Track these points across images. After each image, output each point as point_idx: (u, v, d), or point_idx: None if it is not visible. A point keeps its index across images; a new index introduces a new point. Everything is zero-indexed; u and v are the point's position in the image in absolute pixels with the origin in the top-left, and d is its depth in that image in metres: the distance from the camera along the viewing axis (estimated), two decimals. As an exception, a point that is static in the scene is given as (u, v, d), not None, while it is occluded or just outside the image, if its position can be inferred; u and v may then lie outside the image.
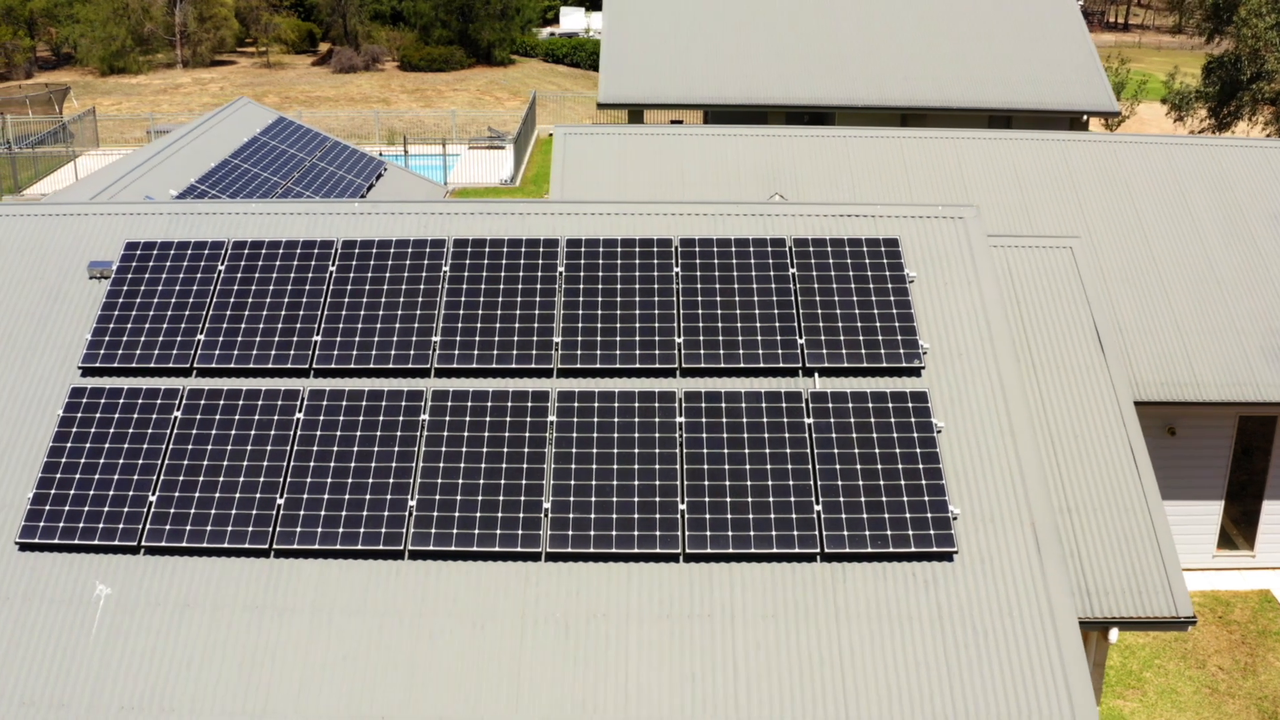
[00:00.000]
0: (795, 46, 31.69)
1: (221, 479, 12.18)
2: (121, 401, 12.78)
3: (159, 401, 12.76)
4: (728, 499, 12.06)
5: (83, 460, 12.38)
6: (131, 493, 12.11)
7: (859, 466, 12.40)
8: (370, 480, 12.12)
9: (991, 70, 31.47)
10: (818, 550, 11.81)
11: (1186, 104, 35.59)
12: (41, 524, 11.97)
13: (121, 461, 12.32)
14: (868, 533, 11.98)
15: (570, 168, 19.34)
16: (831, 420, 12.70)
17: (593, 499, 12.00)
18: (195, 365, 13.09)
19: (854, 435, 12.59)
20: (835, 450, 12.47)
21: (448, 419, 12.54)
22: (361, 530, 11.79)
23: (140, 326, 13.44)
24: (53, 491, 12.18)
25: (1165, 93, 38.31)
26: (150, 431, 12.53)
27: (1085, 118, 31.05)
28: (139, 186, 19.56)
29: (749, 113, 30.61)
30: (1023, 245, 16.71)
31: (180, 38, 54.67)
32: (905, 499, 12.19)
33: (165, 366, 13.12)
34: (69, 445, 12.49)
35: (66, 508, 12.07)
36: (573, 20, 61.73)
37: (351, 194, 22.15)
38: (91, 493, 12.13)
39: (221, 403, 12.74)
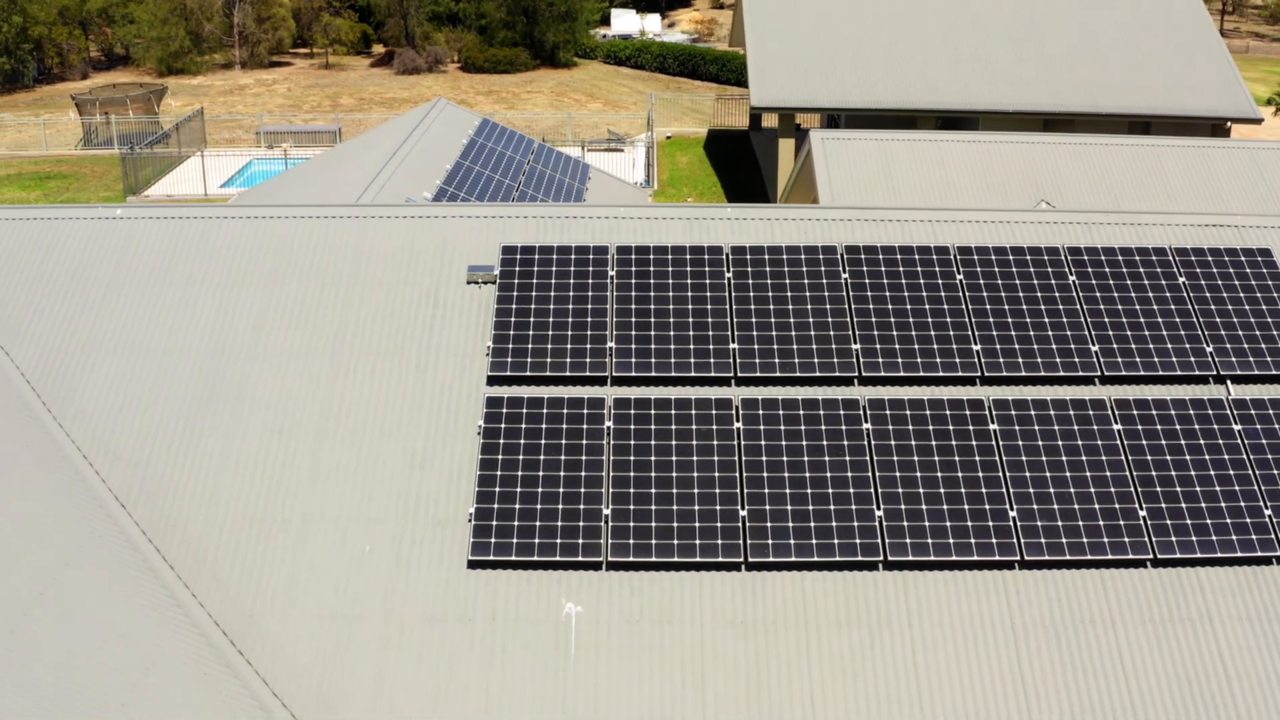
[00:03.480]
0: (942, 53, 31.70)
1: (675, 490, 11.86)
2: (545, 411, 12.42)
3: (585, 411, 12.43)
4: (1182, 504, 11.93)
5: (519, 473, 12.01)
6: (583, 506, 11.76)
7: (1298, 472, 12.37)
8: (830, 490, 11.86)
9: (1132, 76, 31.66)
10: (1275, 554, 11.76)
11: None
12: (492, 541, 11.58)
13: (562, 474, 11.97)
14: (1325, 538, 11.96)
15: (835, 173, 19.17)
16: (1258, 426, 12.65)
17: (1055, 506, 11.83)
18: (613, 373, 12.79)
19: (1285, 441, 12.57)
20: (1269, 455, 12.42)
21: (891, 427, 12.32)
22: (835, 541, 11.55)
23: (543, 334, 13.08)
24: (495, 506, 11.79)
25: (1271, 95, 38.79)
26: (585, 442, 12.19)
27: (1228, 124, 31.32)
28: (393, 188, 19.12)
29: (900, 117, 30.56)
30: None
31: (238, 38, 53.75)
32: (1350, 504, 12.19)
33: (580, 375, 12.78)
34: (499, 458, 12.11)
35: (515, 523, 11.69)
36: (625, 22, 61.40)
37: (573, 196, 21.83)
38: (539, 507, 11.76)
39: (653, 411, 12.42)
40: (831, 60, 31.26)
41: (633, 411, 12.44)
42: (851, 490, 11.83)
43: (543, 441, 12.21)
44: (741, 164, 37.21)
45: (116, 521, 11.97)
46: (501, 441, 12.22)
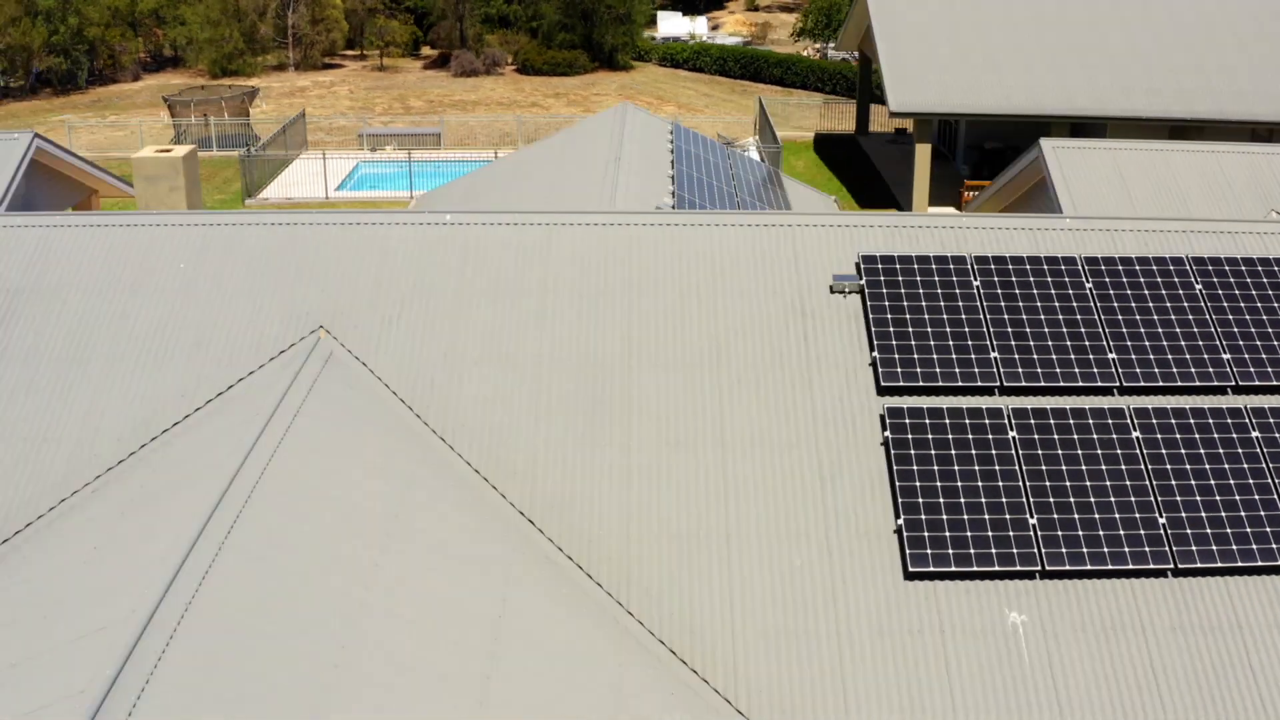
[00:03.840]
0: (1070, 59, 31.99)
1: (1092, 499, 11.85)
2: (947, 422, 12.40)
3: (987, 420, 12.41)
4: None
5: (937, 484, 11.95)
6: (1008, 516, 11.72)
7: None
8: (1256, 496, 11.92)
9: (1256, 83, 32.09)
10: None
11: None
12: (928, 552, 11.54)
13: (980, 484, 11.92)
14: None
15: (1071, 182, 19.32)
16: None
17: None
18: (1002, 383, 12.77)
19: None
20: None
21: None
22: (1274, 546, 11.63)
23: (924, 344, 13.05)
24: (922, 518, 11.74)
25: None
26: (995, 452, 12.16)
27: (1348, 131, 31.82)
28: (634, 193, 18.98)
29: (1033, 122, 30.80)
30: None
31: (292, 40, 53.15)
32: None
33: (972, 385, 12.77)
34: (914, 469, 12.06)
35: (946, 534, 11.65)
36: (672, 25, 61.35)
37: (781, 203, 21.79)
38: (965, 517, 11.71)
39: (1051, 421, 12.44)
40: (965, 66, 31.47)
41: (1032, 421, 12.45)
42: (1276, 496, 11.90)
43: (952, 452, 12.19)
44: (854, 167, 37.57)
45: (528, 539, 11.81)
46: (912, 453, 12.18)
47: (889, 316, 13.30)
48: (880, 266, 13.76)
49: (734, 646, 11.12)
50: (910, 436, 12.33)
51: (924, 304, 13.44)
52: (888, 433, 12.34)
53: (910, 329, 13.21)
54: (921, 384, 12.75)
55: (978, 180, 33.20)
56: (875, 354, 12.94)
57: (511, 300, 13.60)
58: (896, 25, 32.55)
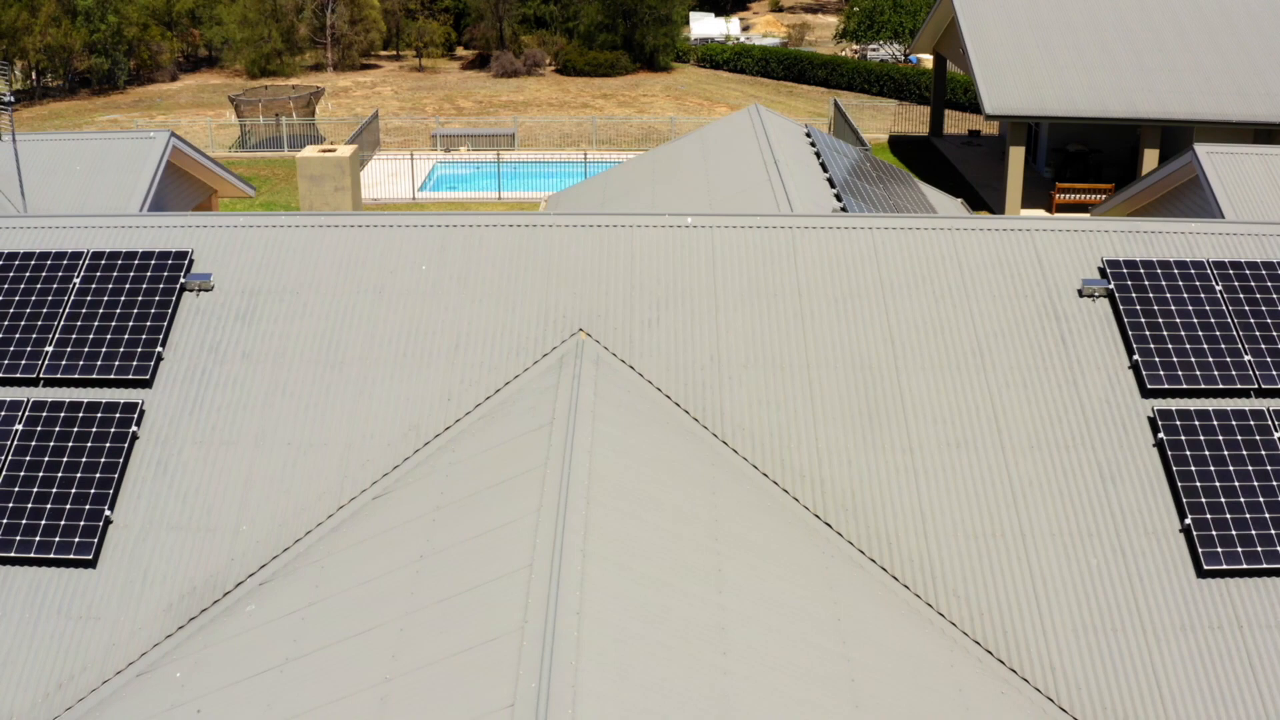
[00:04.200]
0: (1157, 61, 32.50)
1: (1371, 499, 12.28)
2: (1215, 424, 12.72)
3: (1252, 423, 12.76)
4: None
5: (1216, 484, 12.28)
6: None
7: None
8: None
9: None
10: None
11: None
12: (1219, 550, 11.87)
13: (1256, 484, 12.25)
14: None
15: (1228, 187, 19.74)
16: None
17: None
18: (1259, 386, 13.09)
19: None
20: None
21: None
22: None
23: (1181, 348, 13.37)
24: (1208, 517, 12.07)
25: None
26: (1264, 453, 12.52)
27: None
28: (801, 197, 19.22)
29: (1118, 126, 31.26)
30: None
31: (330, 40, 52.95)
32: None
33: (1231, 389, 13.11)
34: (1192, 469, 12.38)
35: (1232, 533, 11.98)
36: (705, 26, 61.57)
37: (925, 206, 22.09)
38: (1248, 516, 12.03)
39: (1314, 423, 12.85)
40: (1056, 69, 31.94)
41: (1294, 422, 12.80)
42: None
43: (1225, 453, 12.51)
44: (935, 169, 38.10)
45: (828, 540, 12.01)
46: (1188, 454, 12.50)
47: (1143, 320, 13.62)
48: (1126, 271, 14.07)
49: (1046, 645, 11.39)
50: (1183, 438, 12.66)
51: (1173, 308, 13.77)
52: (1161, 434, 12.67)
53: (1165, 332, 13.54)
54: (1184, 386, 13.09)
55: (1065, 183, 33.73)
56: (1137, 357, 13.25)
57: (767, 302, 13.81)
58: (985, 28, 32.97)
